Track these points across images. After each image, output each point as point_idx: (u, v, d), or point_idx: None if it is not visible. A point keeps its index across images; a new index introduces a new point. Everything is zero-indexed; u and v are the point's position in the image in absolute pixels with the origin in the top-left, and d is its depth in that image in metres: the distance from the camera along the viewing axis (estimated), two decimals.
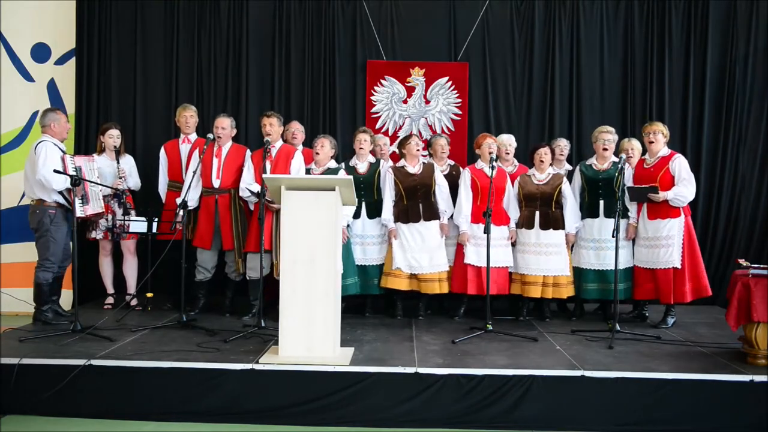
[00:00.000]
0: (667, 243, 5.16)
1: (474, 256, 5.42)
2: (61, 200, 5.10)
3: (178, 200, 5.38)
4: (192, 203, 5.42)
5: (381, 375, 3.97)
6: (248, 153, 5.52)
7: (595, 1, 6.65)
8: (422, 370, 3.98)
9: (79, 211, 5.04)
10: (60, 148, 5.17)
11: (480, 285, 5.37)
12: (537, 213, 5.39)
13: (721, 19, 6.55)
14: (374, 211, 5.55)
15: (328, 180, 4.58)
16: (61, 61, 6.75)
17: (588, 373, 3.96)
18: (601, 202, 5.40)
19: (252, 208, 5.48)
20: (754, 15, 6.53)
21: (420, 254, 5.41)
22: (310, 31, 6.68)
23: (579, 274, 5.46)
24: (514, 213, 5.48)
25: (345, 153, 6.20)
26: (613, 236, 4.87)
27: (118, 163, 5.73)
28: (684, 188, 5.12)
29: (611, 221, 5.30)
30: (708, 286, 5.21)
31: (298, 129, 5.88)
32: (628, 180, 5.35)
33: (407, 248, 5.42)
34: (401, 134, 6.53)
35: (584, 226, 5.46)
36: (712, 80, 6.54)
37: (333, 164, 5.44)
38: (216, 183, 5.42)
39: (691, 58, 6.55)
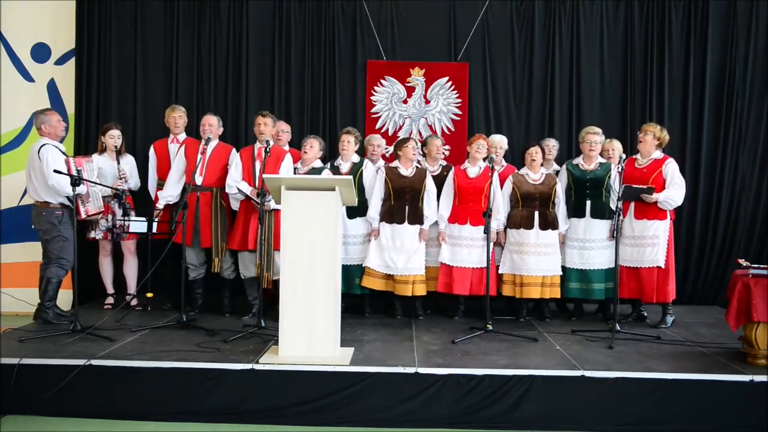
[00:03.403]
0: (653, 242, 5.20)
1: (447, 255, 5.45)
2: (67, 202, 5.11)
3: (159, 193, 5.52)
4: (172, 199, 5.49)
5: (381, 375, 3.98)
6: (234, 151, 5.54)
7: (595, 1, 6.64)
8: (422, 370, 3.98)
9: (82, 212, 5.06)
10: (60, 150, 5.17)
11: (449, 284, 5.42)
12: (536, 213, 5.38)
13: (721, 19, 6.54)
14: (355, 211, 5.54)
15: (328, 180, 4.59)
16: (61, 61, 6.75)
17: (588, 373, 3.96)
18: (588, 203, 5.42)
19: (234, 207, 5.47)
20: (754, 15, 6.53)
21: (397, 255, 5.40)
22: (310, 31, 6.68)
23: (562, 272, 5.48)
24: (502, 214, 5.47)
25: None
26: (612, 236, 4.89)
27: (118, 163, 5.73)
28: (675, 192, 5.18)
29: (597, 221, 5.37)
30: (674, 288, 5.33)
31: (284, 129, 5.88)
32: (614, 180, 5.37)
33: (385, 248, 5.43)
34: (401, 134, 6.53)
35: (570, 226, 5.47)
36: (712, 80, 6.54)
37: (318, 164, 5.46)
38: (198, 180, 5.41)
39: (691, 58, 6.55)
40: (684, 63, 6.58)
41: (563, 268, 5.45)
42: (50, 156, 5.01)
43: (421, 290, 5.47)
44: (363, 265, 5.50)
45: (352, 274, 5.56)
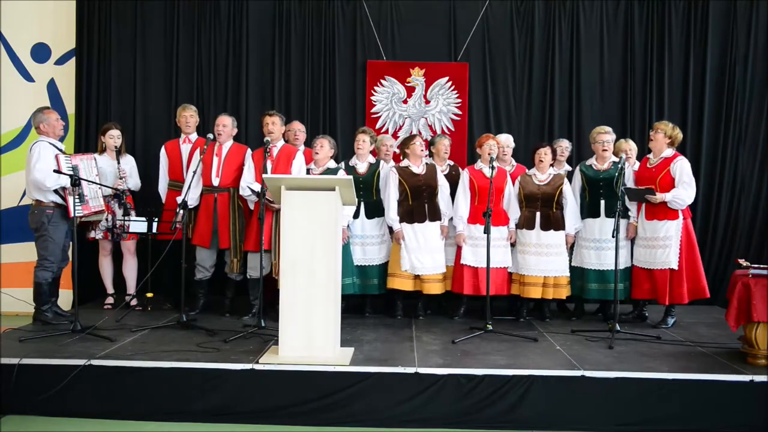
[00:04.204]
0: (664, 244, 5.16)
1: (470, 257, 5.42)
2: (59, 200, 5.09)
3: (179, 199, 5.41)
4: (192, 202, 5.43)
5: (381, 375, 3.97)
6: (249, 152, 5.52)
7: (595, 1, 6.64)
8: (422, 370, 3.98)
9: (78, 211, 4.98)
10: (57, 147, 5.16)
11: (476, 285, 5.39)
12: (538, 213, 5.38)
13: (721, 19, 6.54)
14: (373, 211, 5.56)
15: (328, 180, 4.58)
16: (61, 61, 6.75)
17: (588, 373, 3.96)
18: (602, 202, 5.40)
19: (251, 207, 5.48)
20: (754, 15, 6.53)
21: (423, 255, 5.40)
22: (310, 31, 6.68)
23: (581, 274, 5.47)
24: (514, 213, 5.48)
25: (345, 153, 6.19)
26: (612, 236, 4.88)
27: (118, 163, 5.73)
28: (683, 191, 5.11)
29: (612, 221, 5.30)
30: (706, 288, 5.21)
31: (299, 129, 5.87)
32: (629, 180, 5.36)
33: (411, 249, 5.41)
34: (401, 134, 6.53)
35: (585, 226, 5.46)
36: (712, 80, 6.54)
37: (332, 164, 5.44)
38: (215, 181, 5.43)
39: (691, 58, 6.55)
40: (684, 63, 6.58)
41: (581, 269, 5.45)
42: (38, 152, 4.99)
43: (446, 287, 5.50)
44: (400, 270, 5.43)
45: (369, 274, 5.57)
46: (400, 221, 5.44)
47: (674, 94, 6.59)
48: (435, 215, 5.45)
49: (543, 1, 6.67)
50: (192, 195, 5.37)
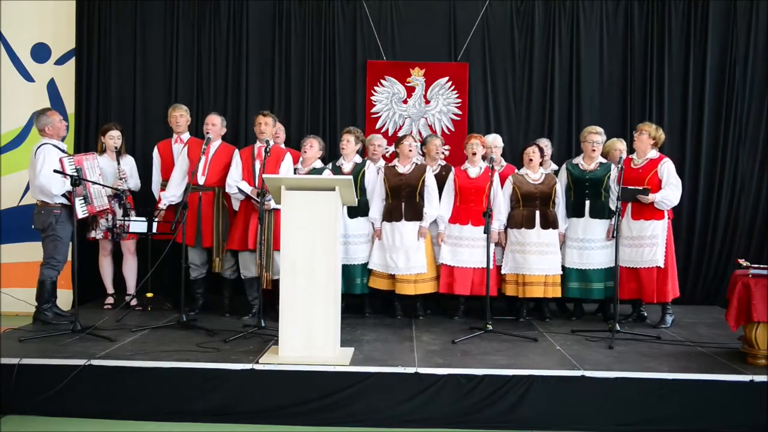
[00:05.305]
0: (651, 242, 5.20)
1: (448, 256, 5.45)
2: (65, 201, 5.10)
3: (164, 195, 5.49)
4: (175, 199, 5.47)
5: (381, 375, 3.98)
6: (236, 151, 5.53)
7: (595, 1, 6.64)
8: (422, 370, 3.98)
9: (81, 212, 5.04)
10: (60, 149, 5.17)
11: (450, 284, 5.42)
12: (537, 212, 5.38)
13: (721, 19, 6.54)
14: (356, 211, 5.53)
15: (328, 180, 4.59)
16: (61, 61, 6.75)
17: (588, 373, 3.96)
18: (587, 202, 5.42)
19: (236, 207, 5.48)
20: (754, 15, 6.52)
21: (397, 254, 5.39)
22: (310, 31, 6.68)
23: (562, 272, 5.48)
24: (503, 213, 5.46)
25: None
26: (613, 236, 4.89)
27: (118, 163, 5.73)
28: (671, 192, 5.17)
29: (596, 221, 5.38)
30: (677, 287, 5.32)
31: (279, 129, 5.88)
32: (613, 180, 5.37)
33: (386, 247, 5.44)
34: (401, 134, 6.52)
35: (569, 226, 5.48)
36: (712, 80, 6.54)
37: (318, 164, 5.45)
38: (201, 180, 5.43)
39: (691, 58, 6.55)
40: (684, 63, 6.57)
41: (563, 268, 5.46)
42: (43, 157, 5.00)
43: (424, 288, 5.46)
44: (369, 267, 5.49)
45: (353, 273, 5.56)
46: (382, 220, 5.47)
47: (674, 94, 6.59)
48: (413, 215, 5.42)
49: (543, 1, 6.67)
50: (175, 192, 5.44)
